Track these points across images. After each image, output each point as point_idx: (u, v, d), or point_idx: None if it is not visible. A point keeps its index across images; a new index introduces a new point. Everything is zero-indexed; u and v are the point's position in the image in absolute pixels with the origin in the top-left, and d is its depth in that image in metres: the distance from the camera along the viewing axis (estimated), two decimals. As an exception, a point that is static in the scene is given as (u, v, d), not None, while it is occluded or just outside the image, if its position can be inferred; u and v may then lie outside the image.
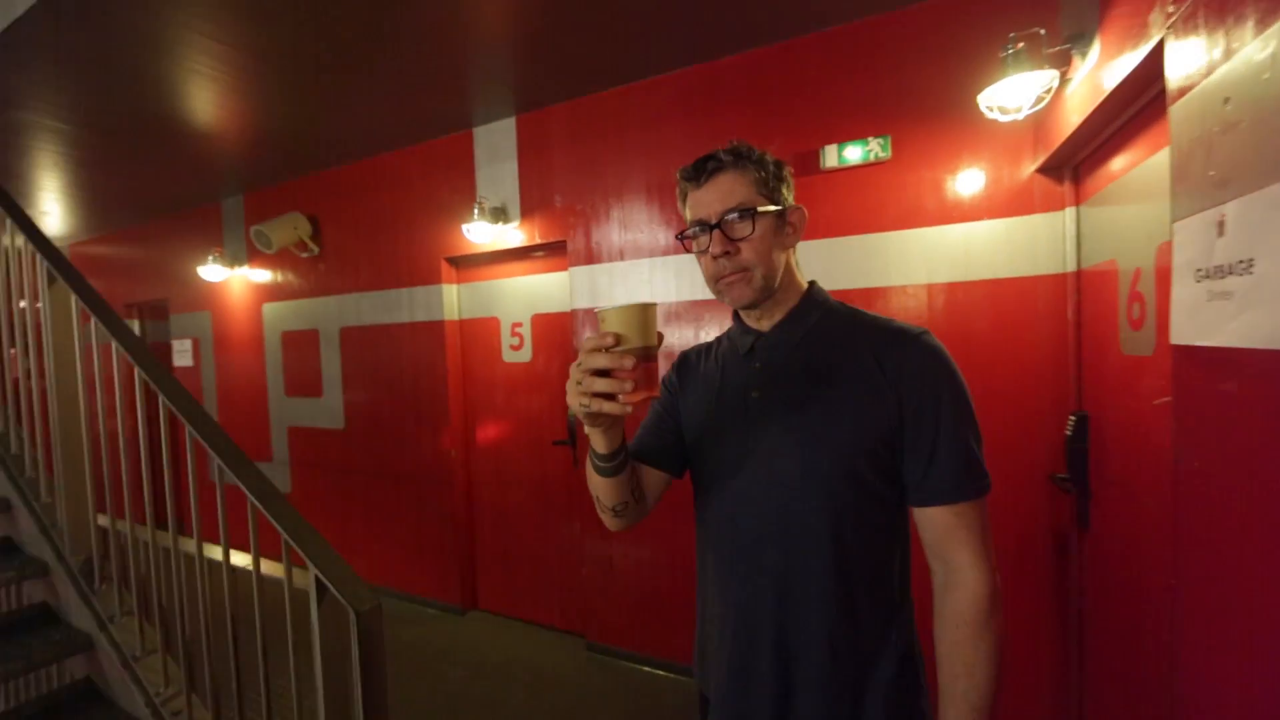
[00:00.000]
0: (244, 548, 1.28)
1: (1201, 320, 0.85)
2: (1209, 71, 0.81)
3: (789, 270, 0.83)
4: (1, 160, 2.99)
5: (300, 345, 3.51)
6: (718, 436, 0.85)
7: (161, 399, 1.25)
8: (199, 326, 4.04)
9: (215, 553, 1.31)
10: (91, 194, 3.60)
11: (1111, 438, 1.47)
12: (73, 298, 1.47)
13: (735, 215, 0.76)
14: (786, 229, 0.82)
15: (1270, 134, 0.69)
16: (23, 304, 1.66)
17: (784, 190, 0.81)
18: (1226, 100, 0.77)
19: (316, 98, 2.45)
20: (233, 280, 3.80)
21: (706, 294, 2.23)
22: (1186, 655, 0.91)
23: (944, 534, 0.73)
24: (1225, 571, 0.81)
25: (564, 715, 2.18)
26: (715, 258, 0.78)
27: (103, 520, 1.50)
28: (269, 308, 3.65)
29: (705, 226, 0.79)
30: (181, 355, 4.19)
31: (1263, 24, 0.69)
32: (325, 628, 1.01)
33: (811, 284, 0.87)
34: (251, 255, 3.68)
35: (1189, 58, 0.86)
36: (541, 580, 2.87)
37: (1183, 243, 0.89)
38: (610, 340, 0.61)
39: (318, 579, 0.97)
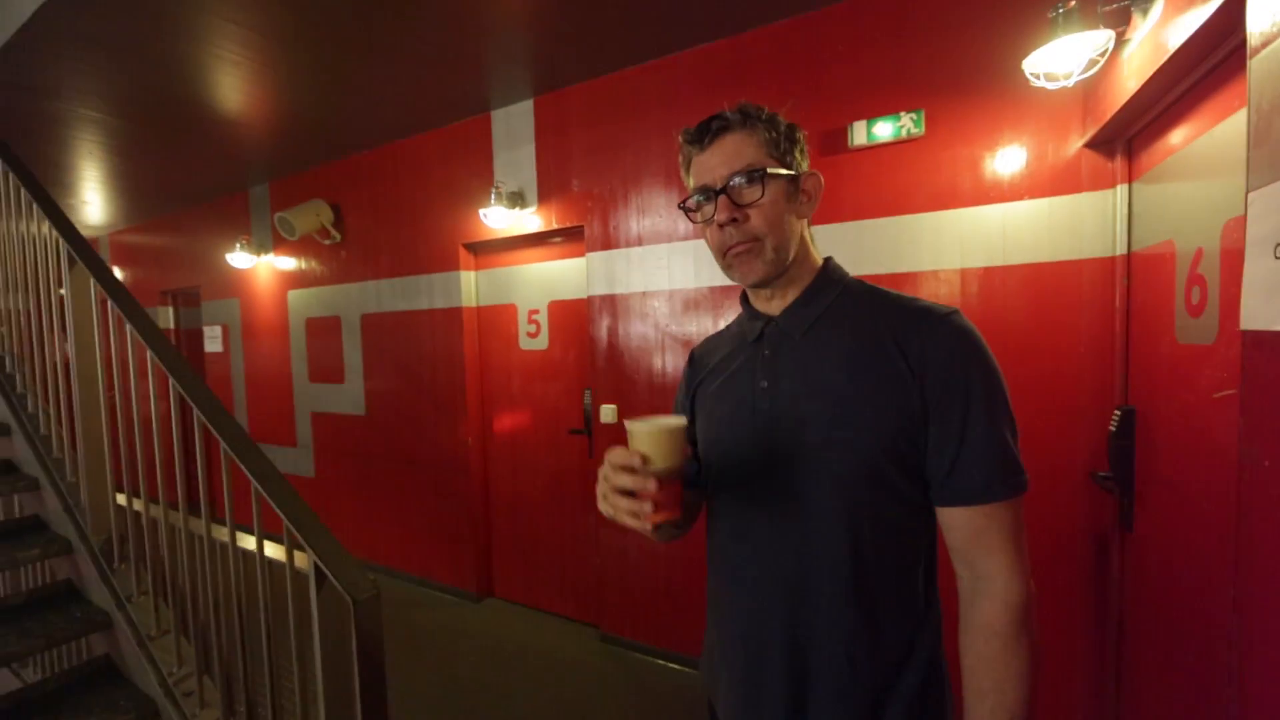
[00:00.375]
0: (270, 529, 1.28)
1: (1279, 303, 0.75)
2: (1300, 14, 0.70)
3: (803, 244, 0.76)
4: (44, 151, 3.08)
5: (323, 332, 3.55)
6: (725, 431, 0.79)
7: (171, 382, 1.25)
8: (228, 313, 4.14)
9: (225, 535, 1.32)
10: (127, 183, 3.70)
11: (1162, 434, 1.36)
12: (91, 281, 1.49)
13: (743, 179, 0.70)
14: (800, 197, 0.74)
15: (1377, 82, 0.59)
16: (62, 291, 1.69)
17: (797, 154, 0.74)
18: (1321, 46, 0.67)
19: (338, 83, 2.44)
20: (259, 267, 3.87)
21: (726, 280, 2.16)
22: (1250, 677, 0.82)
23: (972, 537, 0.66)
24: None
25: (575, 705, 2.16)
26: (721, 226, 0.71)
27: (122, 500, 1.52)
28: (294, 294, 3.71)
29: (710, 192, 0.72)
30: (212, 341, 4.30)
31: (1374, -50, 0.59)
32: (325, 614, 0.99)
33: (827, 260, 0.79)
34: (277, 243, 3.73)
35: (1275, 2, 0.75)
36: (556, 570, 2.86)
37: (1259, 214, 0.79)
38: (637, 460, 0.61)
39: (316, 565, 0.95)
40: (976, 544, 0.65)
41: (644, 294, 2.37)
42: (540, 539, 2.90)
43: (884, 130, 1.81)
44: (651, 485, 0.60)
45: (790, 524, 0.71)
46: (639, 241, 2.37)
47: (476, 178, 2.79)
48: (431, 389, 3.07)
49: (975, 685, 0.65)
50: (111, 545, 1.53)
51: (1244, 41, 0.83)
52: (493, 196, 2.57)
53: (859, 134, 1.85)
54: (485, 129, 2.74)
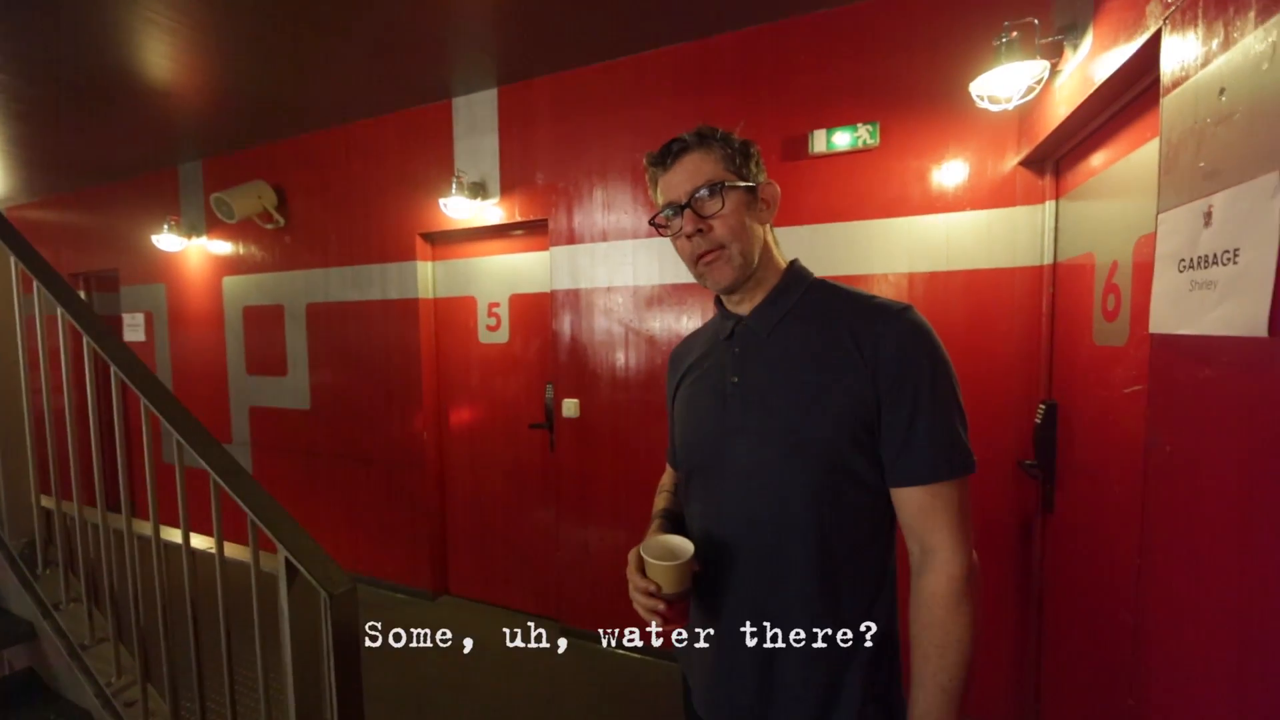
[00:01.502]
0: (204, 530, 1.21)
1: (1182, 309, 0.87)
2: (1205, 62, 0.82)
3: (767, 249, 0.82)
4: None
5: (264, 321, 3.36)
6: (699, 422, 0.85)
7: (114, 371, 1.17)
8: (153, 300, 3.82)
9: (173, 535, 1.24)
10: (33, 153, 3.34)
11: (1079, 425, 1.52)
12: (11, 260, 1.36)
13: (704, 192, 0.77)
14: (759, 205, 0.81)
15: (1265, 125, 0.70)
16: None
17: (752, 167, 0.81)
18: (1222, 91, 0.78)
19: (285, 58, 2.31)
20: (190, 251, 3.60)
21: (689, 278, 2.21)
22: (1151, 632, 0.95)
23: (919, 514, 0.72)
24: (1192, 552, 0.84)
25: (538, 698, 2.17)
26: (689, 237, 0.78)
27: (48, 502, 1.40)
28: (230, 281, 3.47)
29: (676, 208, 0.79)
30: (133, 330, 3.96)
31: (1265, 13, 0.69)
32: (295, 612, 0.96)
33: (793, 262, 0.86)
34: (211, 225, 3.49)
35: (1185, 49, 0.87)
36: (515, 565, 2.84)
37: (1167, 233, 0.91)
38: (653, 587, 0.73)
39: (288, 561, 0.92)
40: (924, 520, 0.72)
41: (608, 289, 2.39)
42: (499, 534, 2.87)
43: (842, 139, 1.91)
44: (662, 606, 0.74)
45: (760, 508, 0.77)
46: (604, 237, 2.38)
47: (435, 166, 2.71)
48: (384, 382, 2.97)
49: (920, 651, 0.72)
50: (34, 550, 1.41)
51: (1158, 80, 0.95)
52: (454, 186, 2.51)
53: (819, 142, 1.94)
54: (446, 116, 2.67)
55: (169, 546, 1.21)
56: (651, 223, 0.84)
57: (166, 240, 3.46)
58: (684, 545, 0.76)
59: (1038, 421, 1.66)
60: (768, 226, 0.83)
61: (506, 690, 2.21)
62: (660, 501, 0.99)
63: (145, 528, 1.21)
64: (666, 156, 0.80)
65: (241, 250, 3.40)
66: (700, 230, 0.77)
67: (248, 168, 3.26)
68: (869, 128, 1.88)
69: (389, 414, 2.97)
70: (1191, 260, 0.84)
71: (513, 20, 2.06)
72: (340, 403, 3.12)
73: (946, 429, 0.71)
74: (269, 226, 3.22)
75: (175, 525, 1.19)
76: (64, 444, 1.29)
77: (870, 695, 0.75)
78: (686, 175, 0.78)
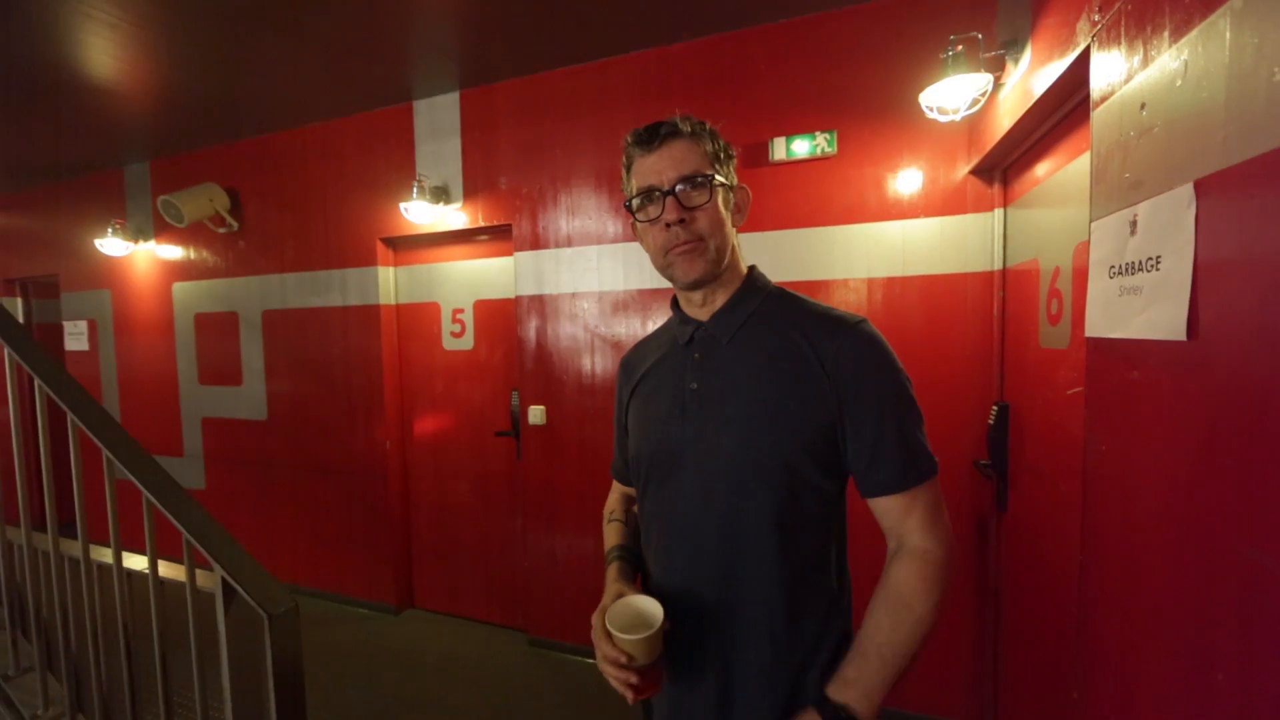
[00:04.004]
0: (138, 549, 1.15)
1: (1113, 314, 0.91)
2: (1128, 79, 0.85)
3: (734, 251, 0.82)
4: None
5: (216, 329, 3.23)
6: (657, 429, 0.83)
7: (38, 383, 1.10)
8: (96, 307, 3.64)
9: (104, 555, 1.18)
10: (-40, 152, 3.15)
11: (1029, 426, 1.57)
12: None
13: (690, 183, 0.74)
14: (734, 207, 0.81)
15: (1179, 138, 0.74)
16: None
17: (731, 169, 0.81)
18: (1143, 106, 0.82)
19: (237, 57, 2.23)
20: (137, 256, 3.44)
21: (654, 283, 2.22)
22: (1092, 626, 0.98)
23: (898, 519, 0.74)
24: (1129, 544, 0.87)
25: (506, 710, 2.12)
26: (669, 225, 0.75)
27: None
28: (180, 287, 3.33)
29: (656, 193, 0.75)
30: (75, 339, 3.76)
31: (1177, 34, 0.73)
32: (234, 634, 0.92)
33: (752, 268, 0.86)
34: (159, 229, 3.34)
35: (1111, 65, 0.91)
36: (481, 576, 2.78)
37: (1099, 241, 0.95)
38: (623, 659, 0.69)
39: (225, 581, 0.88)
40: (903, 523, 0.74)
41: (573, 295, 2.37)
42: (465, 545, 2.81)
43: (801, 147, 1.95)
44: (634, 678, 0.69)
45: (718, 516, 0.76)
46: (569, 242, 2.37)
47: (397, 170, 2.66)
48: (345, 391, 2.88)
49: (874, 620, 0.71)
50: (-48, 575, 1.31)
51: (1089, 95, 0.99)
52: (414, 190, 2.46)
53: (779, 149, 1.97)
54: (407, 119, 2.62)
55: (101, 567, 1.15)
56: (626, 205, 0.80)
57: (111, 244, 3.30)
58: (652, 609, 0.72)
59: (991, 422, 1.71)
60: (735, 230, 0.83)
61: (472, 704, 2.16)
62: (613, 535, 0.94)
63: (75, 548, 1.14)
64: (654, 138, 0.76)
65: (193, 255, 3.27)
66: (682, 220, 0.74)
67: (198, 169, 3.14)
68: (827, 136, 1.92)
69: (350, 423, 2.88)
70: (1120, 266, 0.88)
71: (474, 24, 2.04)
72: (299, 413, 3.02)
73: (909, 438, 0.73)
74: (221, 231, 3.10)
75: (108, 544, 1.13)
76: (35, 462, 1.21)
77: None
78: (673, 161, 0.75)
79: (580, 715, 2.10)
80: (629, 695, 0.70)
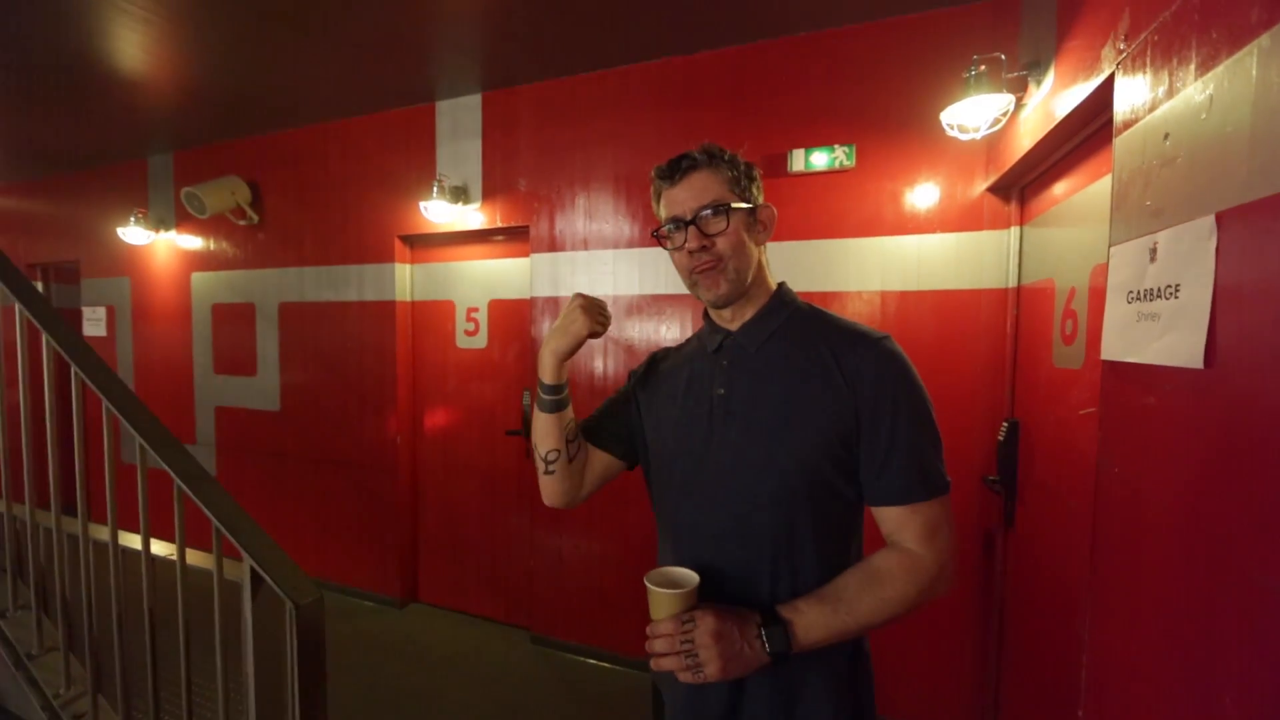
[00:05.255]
0: (164, 535, 1.18)
1: (1130, 338, 0.92)
2: (1152, 108, 0.87)
3: (759, 268, 0.85)
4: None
5: (233, 319, 3.27)
6: (682, 431, 0.85)
7: (74, 370, 1.13)
8: (116, 294, 3.70)
9: (130, 541, 1.21)
10: (-9, 137, 3.22)
11: (1039, 444, 1.58)
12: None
13: (710, 211, 0.79)
14: (757, 226, 0.84)
15: (1202, 170, 0.75)
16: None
17: (754, 189, 0.84)
18: (1166, 136, 0.83)
19: (264, 55, 2.27)
20: (157, 245, 3.49)
21: (669, 288, 2.24)
22: (1099, 645, 0.99)
23: (897, 528, 0.76)
24: (1138, 565, 0.88)
25: (508, 707, 2.14)
26: (691, 252, 0.80)
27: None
28: (198, 277, 3.38)
29: (681, 223, 0.80)
30: (94, 324, 3.82)
31: (1204, 68, 0.75)
32: (259, 622, 0.95)
33: (780, 285, 0.88)
34: (180, 219, 3.39)
35: (1136, 93, 0.92)
36: (486, 573, 2.81)
37: (1118, 266, 0.96)
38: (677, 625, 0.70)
39: (254, 570, 0.91)
40: (900, 533, 0.76)
41: (589, 298, 2.39)
42: (471, 541, 2.84)
43: (820, 159, 1.96)
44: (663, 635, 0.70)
45: (739, 518, 0.78)
46: (585, 245, 2.40)
47: (416, 169, 2.69)
48: (358, 385, 2.92)
49: (843, 581, 0.73)
50: (-19, 554, 1.35)
51: (1111, 120, 1.00)
52: (435, 190, 2.50)
53: (798, 161, 1.99)
54: (429, 120, 2.66)
55: (126, 552, 1.18)
56: (654, 234, 0.86)
57: (133, 233, 3.36)
58: (688, 573, 0.74)
59: (1000, 439, 1.72)
60: (762, 247, 0.86)
61: (475, 700, 2.19)
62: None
63: (101, 533, 1.17)
64: (675, 172, 0.82)
65: (212, 246, 3.32)
66: (704, 247, 0.79)
67: (221, 162, 3.18)
68: (846, 149, 1.93)
69: (362, 417, 2.92)
70: (1138, 292, 0.89)
71: (498, 28, 2.07)
72: (312, 405, 3.06)
73: (921, 453, 0.75)
74: (242, 223, 3.15)
75: (133, 530, 1.16)
76: (17, 444, 1.25)
77: (841, 706, 0.77)
78: (693, 193, 0.80)
79: (583, 712, 2.11)
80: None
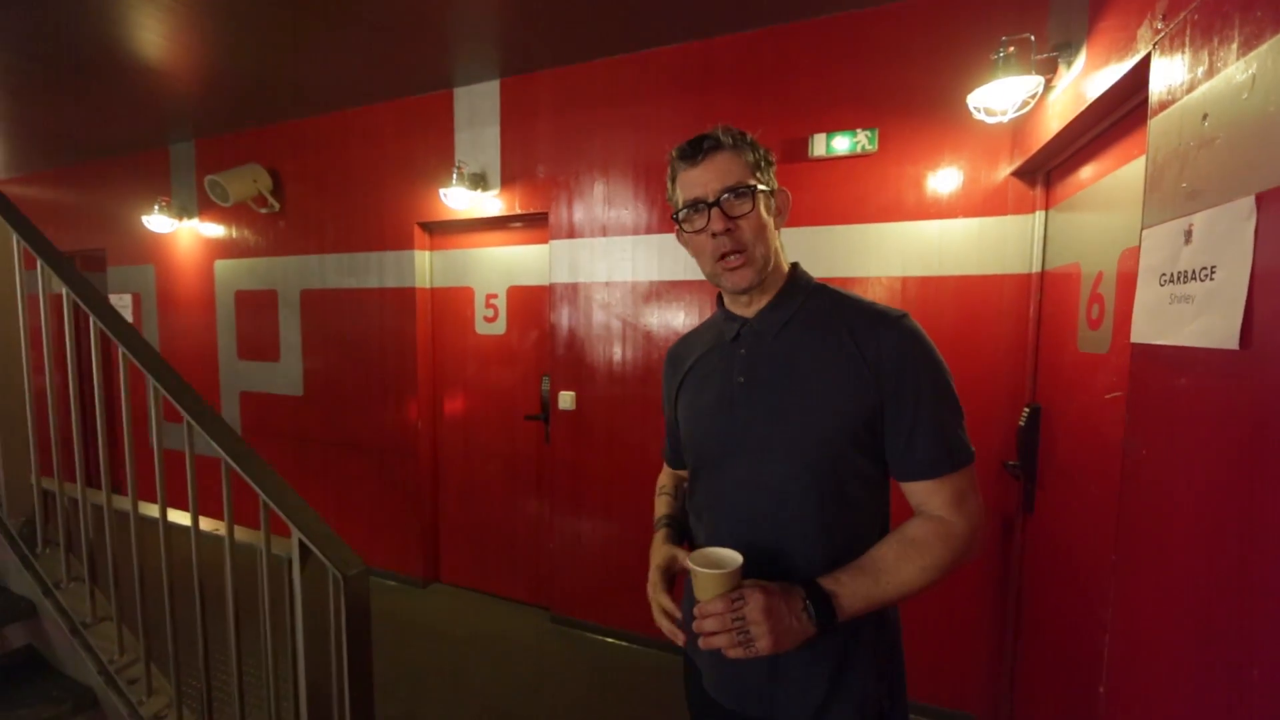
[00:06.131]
0: (210, 513, 1.23)
1: (1162, 321, 0.92)
2: (1191, 88, 0.86)
3: (776, 253, 0.85)
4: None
5: (256, 306, 3.33)
6: (707, 421, 0.88)
7: (122, 352, 1.17)
8: (141, 281, 3.77)
9: (176, 518, 1.26)
10: (19, 127, 3.28)
11: (1061, 429, 1.59)
12: (14, 238, 1.35)
13: (733, 194, 0.78)
14: (775, 210, 0.84)
15: (1242, 151, 0.75)
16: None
17: (771, 174, 0.84)
18: (1205, 117, 0.83)
19: (285, 42, 2.29)
20: (181, 233, 3.55)
21: (685, 275, 2.25)
22: (1122, 622, 1.01)
23: (926, 500, 0.78)
24: (1165, 546, 0.90)
25: (529, 685, 2.21)
26: (715, 235, 0.79)
27: (49, 483, 1.40)
28: (222, 264, 3.44)
29: (702, 205, 0.79)
30: (120, 310, 3.89)
31: (1247, 47, 0.74)
32: (306, 594, 0.99)
33: (794, 266, 0.89)
34: (203, 207, 3.44)
35: (1173, 73, 0.91)
36: (506, 554, 2.87)
37: (1151, 248, 0.96)
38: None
39: (302, 543, 0.95)
40: (929, 503, 0.78)
41: (607, 284, 2.41)
42: (491, 523, 2.90)
43: (841, 144, 1.95)
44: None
45: (766, 500, 0.81)
46: (604, 232, 2.41)
47: (435, 155, 2.71)
48: (379, 370, 2.97)
49: (879, 551, 0.75)
50: (34, 528, 1.41)
51: (1146, 101, 0.99)
52: (454, 177, 2.52)
53: (819, 145, 1.98)
54: (447, 106, 2.67)
55: (174, 528, 1.23)
56: (674, 218, 0.85)
57: (157, 221, 3.42)
58: (732, 554, 0.75)
59: (1021, 424, 1.72)
60: (778, 231, 0.86)
61: (497, 677, 2.25)
62: (661, 506, 1.01)
63: (149, 510, 1.23)
64: (697, 153, 0.80)
65: (234, 234, 3.37)
66: (729, 230, 0.78)
67: (242, 150, 3.22)
68: (868, 134, 1.92)
69: (384, 402, 2.97)
70: (1172, 275, 0.89)
71: (516, 13, 2.07)
72: (334, 390, 3.12)
73: (945, 427, 0.76)
74: (263, 210, 3.19)
75: (178, 508, 1.21)
76: (67, 424, 1.30)
77: (873, 674, 0.79)
78: (717, 174, 0.79)
79: (603, 690, 2.17)
80: (683, 640, 0.76)
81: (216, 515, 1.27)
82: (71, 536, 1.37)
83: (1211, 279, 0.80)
